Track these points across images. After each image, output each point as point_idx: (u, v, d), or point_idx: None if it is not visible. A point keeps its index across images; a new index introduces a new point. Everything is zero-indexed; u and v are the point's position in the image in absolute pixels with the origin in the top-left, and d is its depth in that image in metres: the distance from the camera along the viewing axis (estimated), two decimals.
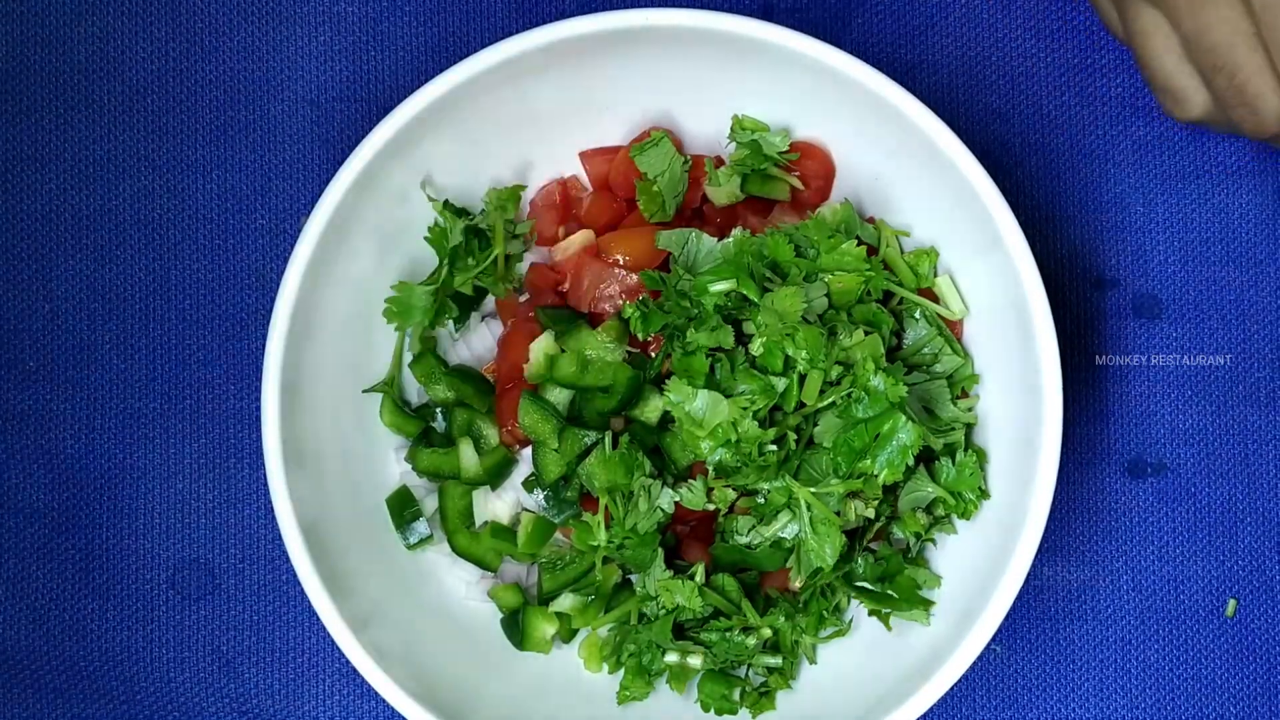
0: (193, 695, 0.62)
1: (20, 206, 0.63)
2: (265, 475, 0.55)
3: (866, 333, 0.55)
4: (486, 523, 0.59)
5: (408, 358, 0.60)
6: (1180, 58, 0.53)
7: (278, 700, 0.62)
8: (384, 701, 0.56)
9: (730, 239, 0.56)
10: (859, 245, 0.56)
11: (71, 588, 0.63)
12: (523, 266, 0.60)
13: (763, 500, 0.55)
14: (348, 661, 0.55)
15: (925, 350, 0.57)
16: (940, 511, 0.57)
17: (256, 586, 0.63)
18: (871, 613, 0.58)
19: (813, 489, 0.54)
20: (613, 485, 0.55)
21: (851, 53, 0.54)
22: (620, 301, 0.57)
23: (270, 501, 0.55)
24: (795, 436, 0.54)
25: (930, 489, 0.56)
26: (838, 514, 0.54)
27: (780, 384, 0.54)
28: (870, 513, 0.55)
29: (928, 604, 0.57)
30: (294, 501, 0.55)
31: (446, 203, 0.59)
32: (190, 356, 0.63)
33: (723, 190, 0.59)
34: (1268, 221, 0.63)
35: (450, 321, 0.60)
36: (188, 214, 0.63)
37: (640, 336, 0.56)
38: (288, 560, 0.58)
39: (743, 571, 0.58)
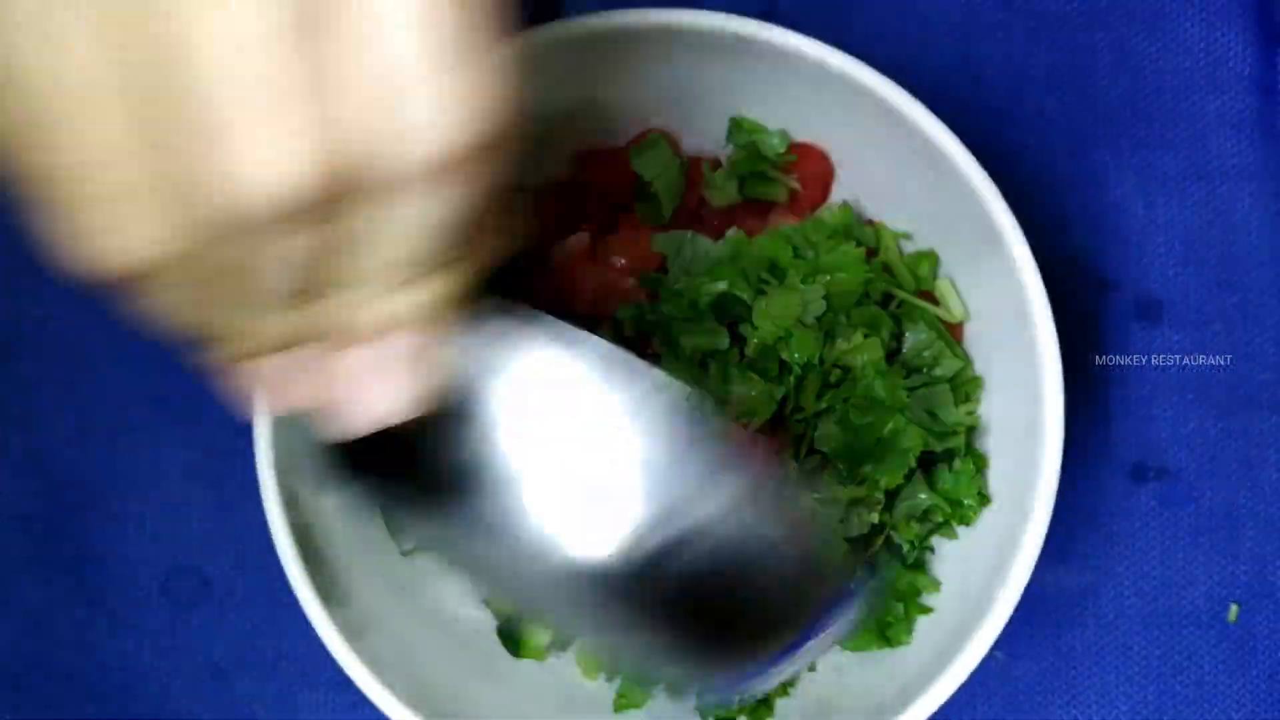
0: (185, 703, 0.62)
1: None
2: (257, 480, 0.55)
3: (866, 335, 0.54)
4: None
5: None
6: None
7: (271, 708, 0.62)
8: (379, 710, 0.56)
9: (725, 240, 0.56)
10: (858, 247, 0.55)
11: (62, 595, 0.62)
12: None
13: None
14: (342, 670, 0.54)
15: (925, 354, 0.57)
16: (938, 519, 0.57)
17: (249, 593, 0.62)
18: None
19: (814, 495, 0.54)
20: None
21: (851, 54, 0.53)
22: (618, 305, 0.57)
23: (263, 506, 0.55)
24: (794, 441, 0.54)
25: (924, 496, 0.56)
26: (840, 521, 0.54)
27: (777, 389, 0.53)
28: (874, 518, 0.55)
29: (922, 609, 0.57)
30: (286, 506, 0.54)
31: None
32: (181, 360, 0.62)
33: (720, 193, 0.58)
34: (1270, 223, 0.63)
35: None
36: None
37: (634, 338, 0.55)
38: (281, 566, 0.58)
39: None
